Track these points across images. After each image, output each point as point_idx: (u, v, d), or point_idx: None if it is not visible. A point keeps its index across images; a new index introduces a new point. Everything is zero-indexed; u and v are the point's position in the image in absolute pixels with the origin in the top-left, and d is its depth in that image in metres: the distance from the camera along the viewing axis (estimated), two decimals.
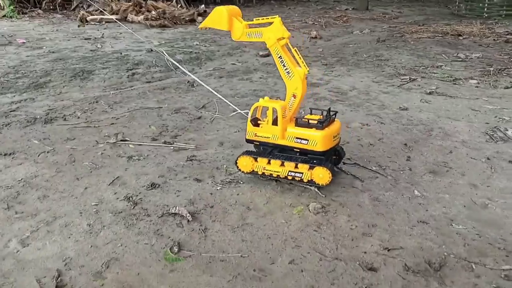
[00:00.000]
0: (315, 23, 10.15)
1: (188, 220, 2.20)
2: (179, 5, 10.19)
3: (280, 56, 2.43)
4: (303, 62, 2.44)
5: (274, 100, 2.62)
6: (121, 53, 6.52)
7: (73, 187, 2.54)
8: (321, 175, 2.41)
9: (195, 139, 3.34)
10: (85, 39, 7.57)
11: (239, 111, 3.86)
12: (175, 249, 1.97)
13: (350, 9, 13.23)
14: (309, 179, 2.46)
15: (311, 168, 2.44)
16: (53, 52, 6.56)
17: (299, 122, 2.49)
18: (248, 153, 2.61)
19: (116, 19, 9.29)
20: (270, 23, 2.42)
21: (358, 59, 6.40)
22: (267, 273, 1.85)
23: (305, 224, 2.21)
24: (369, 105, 4.22)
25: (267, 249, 2.00)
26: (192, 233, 2.11)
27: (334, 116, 2.57)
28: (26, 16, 9.99)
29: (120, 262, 1.89)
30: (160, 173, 2.74)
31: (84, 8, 10.39)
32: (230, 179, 2.67)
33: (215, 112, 3.97)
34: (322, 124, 2.43)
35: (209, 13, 8.87)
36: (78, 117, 3.81)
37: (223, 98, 4.15)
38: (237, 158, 2.61)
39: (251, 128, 2.57)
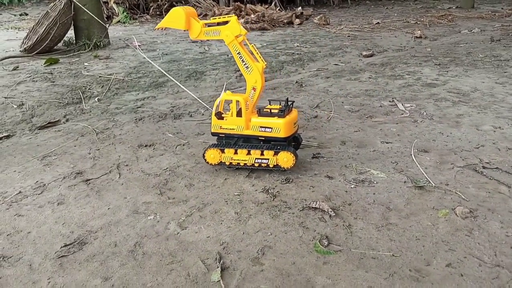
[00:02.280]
0: (418, 22, 9.67)
1: (330, 215, 2.22)
2: (278, 8, 10.37)
3: (239, 52, 2.58)
4: (260, 57, 2.59)
5: (236, 93, 2.71)
6: (227, 55, 6.81)
7: (214, 178, 2.70)
8: (286, 159, 2.61)
9: (316, 137, 3.36)
10: (193, 42, 8.04)
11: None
12: (325, 242, 2.00)
13: (454, 7, 12.40)
14: (275, 164, 2.64)
15: (276, 153, 2.62)
16: (166, 54, 7.07)
17: (262, 112, 2.65)
18: (214, 145, 2.74)
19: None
20: (227, 22, 2.54)
21: (474, 59, 5.97)
22: (424, 274, 1.80)
23: (454, 228, 2.10)
24: (497, 107, 3.91)
25: (419, 251, 1.94)
26: (337, 228, 2.13)
27: (291, 105, 2.72)
28: (136, 21, 10.89)
29: (274, 250, 1.96)
30: (290, 168, 2.80)
31: None
32: (363, 178, 2.64)
33: (331, 111, 3.97)
34: (283, 113, 2.60)
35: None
36: (202, 114, 4.05)
37: (199, 100, 4.13)
38: (204, 152, 2.74)
39: (216, 121, 2.71)
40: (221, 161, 2.72)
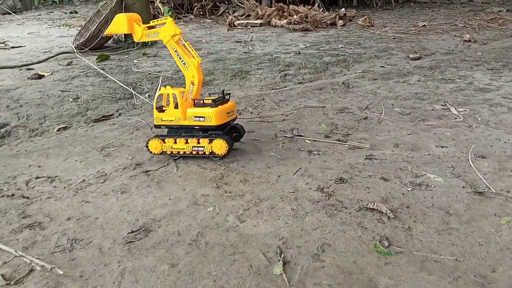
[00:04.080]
0: (466, 26, 9.37)
1: (389, 217, 2.21)
2: (321, 9, 10.33)
3: (176, 50, 2.83)
4: (195, 54, 2.86)
5: (173, 88, 2.92)
6: (271, 55, 6.86)
7: (267, 174, 2.74)
8: (219, 146, 2.82)
9: (367, 139, 3.34)
10: (236, 42, 8.14)
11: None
12: (385, 243, 2.00)
13: (504, 10, 11.91)
14: (210, 151, 2.85)
15: (210, 141, 2.84)
16: (211, 53, 7.20)
17: (197, 104, 2.87)
18: (156, 136, 2.96)
19: (261, 23, 9.82)
20: (163, 24, 2.83)
21: None
22: (490, 281, 1.76)
23: None
24: None
25: (483, 257, 1.90)
26: (396, 230, 2.12)
27: (228, 97, 2.98)
28: (181, 20, 11.14)
29: (333, 248, 1.98)
30: (343, 169, 2.80)
31: (230, 14, 11.18)
32: (419, 181, 2.61)
33: (381, 113, 3.92)
34: (215, 103, 2.82)
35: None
36: (251, 112, 4.11)
37: (137, 94, 4.07)
38: (147, 142, 2.95)
39: (157, 114, 2.91)
40: (162, 151, 2.93)
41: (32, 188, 2.71)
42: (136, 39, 2.91)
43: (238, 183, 2.63)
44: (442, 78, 5.22)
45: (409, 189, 2.52)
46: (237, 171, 2.80)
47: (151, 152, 2.96)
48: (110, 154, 3.19)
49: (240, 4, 11.12)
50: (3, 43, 8.40)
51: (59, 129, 4.31)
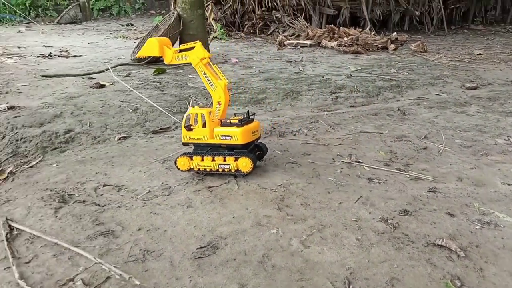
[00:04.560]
0: None
1: (459, 256, 2.15)
2: (373, 33, 10.29)
3: (204, 73, 2.98)
4: (223, 76, 3.00)
5: (202, 108, 3.06)
6: (322, 77, 6.89)
7: (327, 200, 2.74)
8: (244, 164, 2.93)
9: (429, 170, 3.27)
10: (287, 61, 8.24)
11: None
12: (457, 283, 1.94)
13: None
14: (236, 169, 2.95)
15: (236, 159, 2.94)
16: (262, 72, 7.32)
17: (223, 123, 3.01)
18: (184, 154, 3.07)
19: (310, 44, 9.90)
20: (193, 48, 2.97)
21: None
22: None
23: None
24: None
25: None
26: (467, 270, 2.05)
27: (252, 117, 3.11)
28: (232, 38, 11.42)
29: (403, 283, 1.94)
30: (406, 200, 2.76)
31: (280, 33, 11.35)
32: (487, 220, 2.52)
33: (441, 144, 3.84)
34: (241, 123, 2.96)
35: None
36: (306, 134, 4.13)
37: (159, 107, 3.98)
38: (176, 159, 3.06)
39: (186, 132, 3.06)
40: (190, 168, 3.03)
41: (101, 195, 2.84)
42: (167, 61, 3.08)
43: (299, 206, 2.65)
44: (503, 110, 5.04)
45: (477, 227, 2.44)
46: (297, 194, 2.82)
47: (179, 169, 3.06)
48: (171, 166, 3.29)
49: (290, 24, 11.27)
50: (66, 51, 8.93)
51: (119, 138, 4.51)
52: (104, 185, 2.98)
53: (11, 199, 2.88)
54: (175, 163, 3.09)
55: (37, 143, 4.41)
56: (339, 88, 6.20)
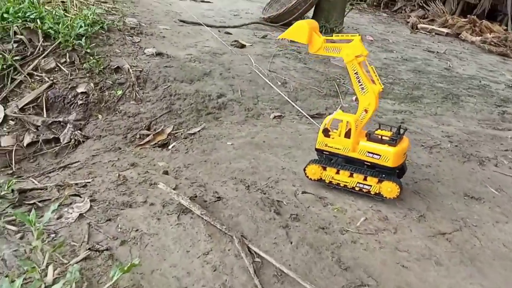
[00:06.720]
0: None
1: None
2: None
3: (356, 72, 2.50)
4: (378, 80, 2.51)
5: (347, 114, 2.65)
6: (479, 81, 6.01)
7: None
8: (390, 189, 2.49)
9: None
10: (428, 51, 7.33)
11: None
12: None
13: None
14: (377, 192, 2.53)
15: (379, 182, 2.51)
16: (406, 60, 6.53)
17: (372, 137, 2.57)
18: (316, 161, 2.67)
19: (447, 33, 8.82)
20: (350, 41, 2.48)
21: None
22: None
23: None
24: None
25: None
26: None
27: (403, 133, 2.62)
28: (354, 8, 10.46)
29: None
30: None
31: (407, 11, 10.27)
32: None
33: None
34: (395, 141, 2.49)
35: None
36: (510, 167, 3.45)
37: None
38: (306, 166, 2.67)
39: (322, 138, 2.63)
40: (321, 178, 2.65)
41: (308, 208, 2.44)
42: (312, 50, 2.58)
43: None
44: None
45: None
46: None
47: (307, 176, 2.69)
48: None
49: (424, 5, 10.11)
50: None
51: (275, 117, 4.10)
52: (303, 192, 2.58)
53: (203, 184, 2.56)
54: (304, 170, 2.70)
55: (191, 103, 4.09)
56: (504, 100, 5.35)
